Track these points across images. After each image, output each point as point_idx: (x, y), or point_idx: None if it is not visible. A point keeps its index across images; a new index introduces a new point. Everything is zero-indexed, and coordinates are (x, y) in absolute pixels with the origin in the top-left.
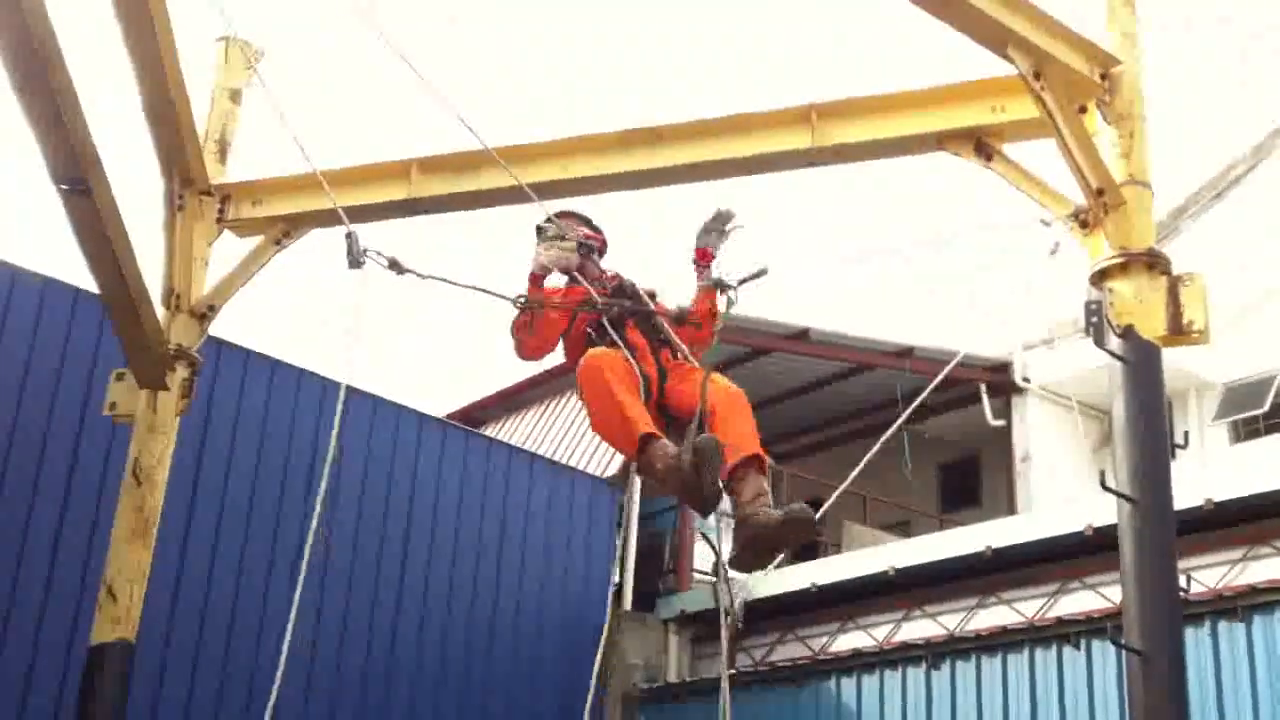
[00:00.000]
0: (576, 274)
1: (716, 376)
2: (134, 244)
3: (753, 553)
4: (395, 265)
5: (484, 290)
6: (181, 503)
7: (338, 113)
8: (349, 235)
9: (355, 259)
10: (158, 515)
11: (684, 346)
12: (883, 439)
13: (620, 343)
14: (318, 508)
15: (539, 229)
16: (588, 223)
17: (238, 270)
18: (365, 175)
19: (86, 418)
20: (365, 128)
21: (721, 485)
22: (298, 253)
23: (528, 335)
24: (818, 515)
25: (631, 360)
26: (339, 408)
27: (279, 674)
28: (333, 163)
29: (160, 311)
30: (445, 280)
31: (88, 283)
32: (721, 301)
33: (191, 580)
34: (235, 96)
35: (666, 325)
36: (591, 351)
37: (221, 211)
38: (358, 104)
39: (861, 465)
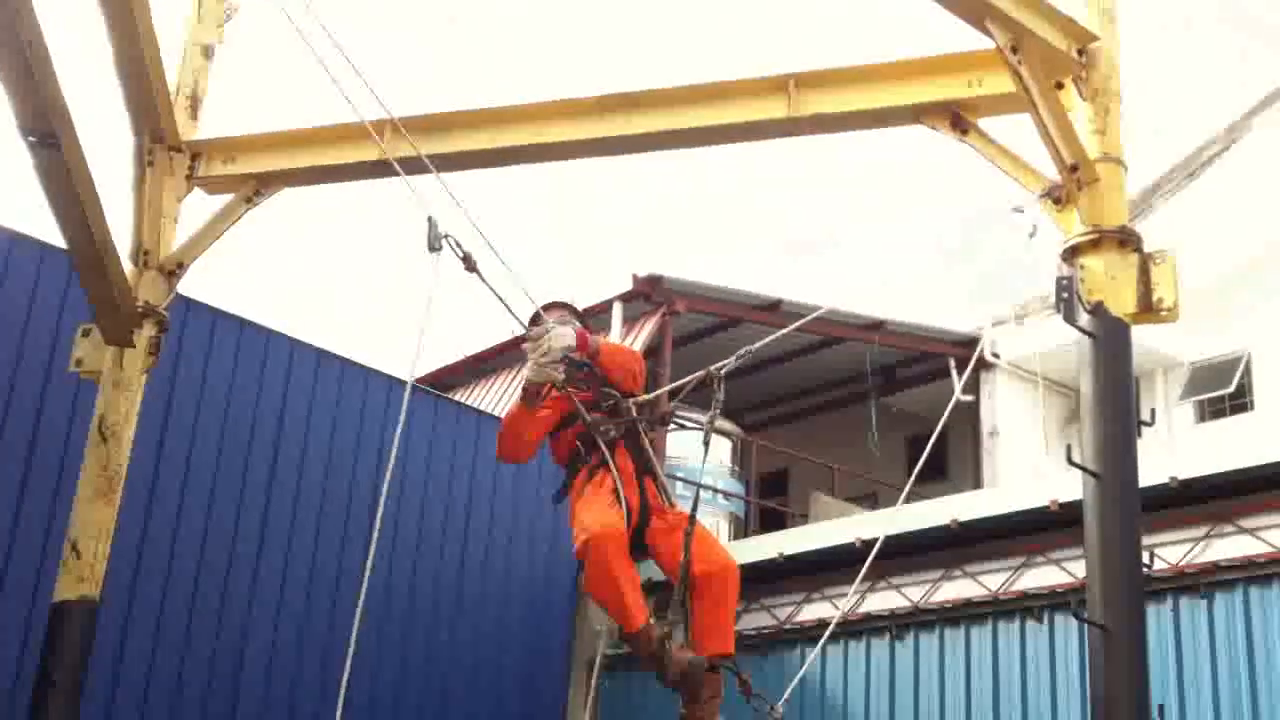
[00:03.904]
0: (569, 389)
1: (707, 535)
2: (103, 199)
3: None
4: (469, 261)
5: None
6: (147, 460)
7: (315, 70)
8: (430, 220)
9: (433, 243)
10: (123, 472)
11: (667, 486)
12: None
13: (611, 462)
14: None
15: (534, 320)
16: (577, 314)
17: (207, 228)
18: (338, 135)
19: (52, 373)
20: (344, 86)
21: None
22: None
23: (516, 434)
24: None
25: (619, 484)
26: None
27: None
28: (308, 121)
29: (128, 268)
30: (502, 301)
31: (55, 237)
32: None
33: (156, 538)
34: (207, 52)
35: (652, 455)
36: (594, 531)
37: (192, 168)
38: (334, 63)
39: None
